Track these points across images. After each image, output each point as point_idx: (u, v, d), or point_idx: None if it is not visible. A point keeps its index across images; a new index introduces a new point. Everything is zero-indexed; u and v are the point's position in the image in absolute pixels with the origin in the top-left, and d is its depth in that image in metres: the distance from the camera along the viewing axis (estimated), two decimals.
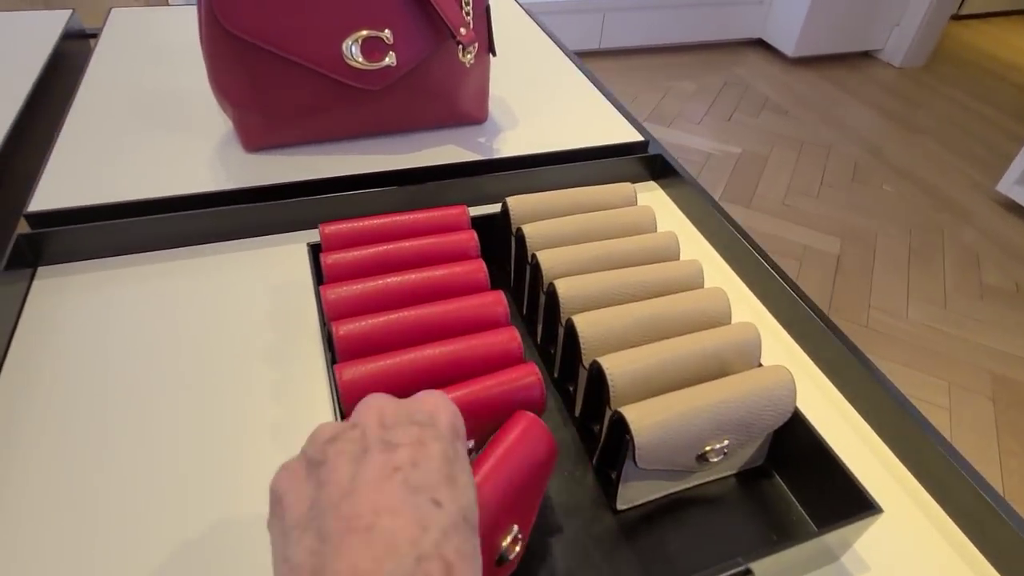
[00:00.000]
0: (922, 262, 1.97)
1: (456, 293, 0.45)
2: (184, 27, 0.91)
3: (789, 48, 3.00)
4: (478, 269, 0.46)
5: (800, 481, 0.43)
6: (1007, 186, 2.10)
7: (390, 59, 0.61)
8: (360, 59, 0.60)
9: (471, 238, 0.49)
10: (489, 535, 0.31)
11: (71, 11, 0.88)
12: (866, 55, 3.18)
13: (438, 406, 0.27)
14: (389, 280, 0.45)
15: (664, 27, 2.94)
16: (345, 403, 0.37)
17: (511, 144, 0.73)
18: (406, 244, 0.48)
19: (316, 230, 0.61)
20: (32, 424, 0.44)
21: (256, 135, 0.66)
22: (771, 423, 0.40)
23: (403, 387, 0.38)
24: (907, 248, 2.03)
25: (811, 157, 2.45)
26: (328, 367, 0.41)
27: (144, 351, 0.50)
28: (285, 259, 0.59)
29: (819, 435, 0.40)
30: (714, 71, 2.98)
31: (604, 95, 0.83)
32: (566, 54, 0.93)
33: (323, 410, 0.46)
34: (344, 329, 0.41)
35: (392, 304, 0.44)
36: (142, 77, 0.79)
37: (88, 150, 0.66)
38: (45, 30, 0.83)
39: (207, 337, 0.51)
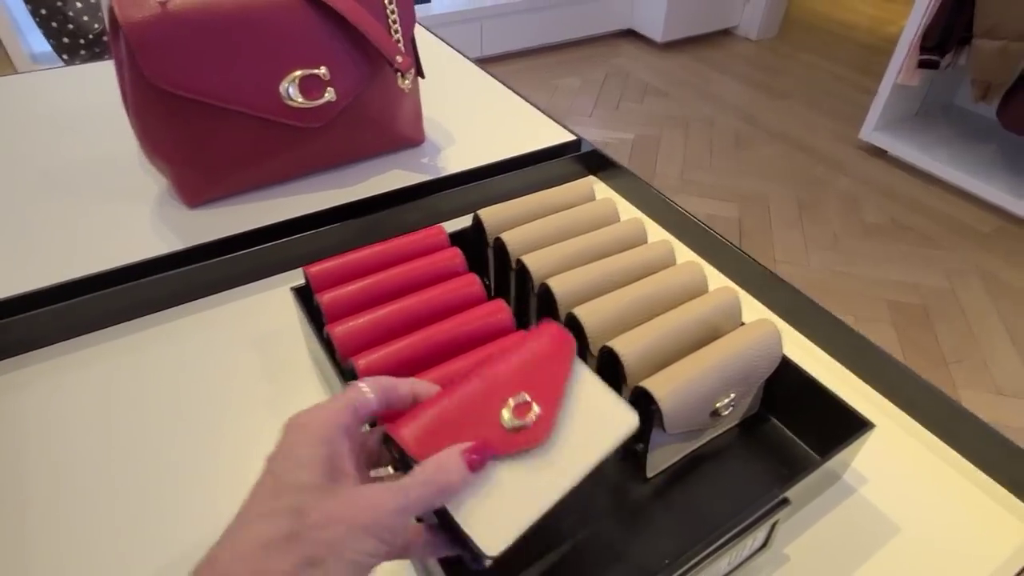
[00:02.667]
0: (811, 213, 2.17)
1: (456, 309, 0.47)
2: (67, 90, 0.86)
3: (657, 35, 3.19)
4: (472, 282, 0.48)
5: (794, 419, 0.48)
6: (868, 133, 2.35)
7: (329, 95, 0.62)
8: (299, 99, 0.61)
9: (456, 254, 0.51)
10: (482, 406, 0.34)
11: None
12: (726, 32, 3.43)
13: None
14: (392, 308, 0.46)
15: (540, 28, 3.04)
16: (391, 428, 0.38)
17: (453, 161, 0.75)
18: (395, 271, 0.49)
19: (286, 274, 0.61)
20: (36, 531, 0.41)
21: (197, 190, 0.64)
22: (766, 371, 0.45)
23: None
24: (796, 203, 2.22)
25: (697, 133, 2.62)
26: None
27: (137, 426, 0.48)
28: (259, 308, 0.58)
29: (807, 373, 0.45)
30: (595, 64, 3.12)
31: (527, 102, 0.87)
32: (479, 66, 0.96)
33: None
34: (364, 362, 0.41)
35: (400, 331, 0.45)
36: (41, 149, 0.74)
37: (12, 234, 0.62)
38: None
39: (201, 399, 0.50)
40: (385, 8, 0.62)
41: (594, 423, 0.36)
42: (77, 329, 0.54)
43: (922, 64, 2.07)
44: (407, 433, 0.32)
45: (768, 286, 0.59)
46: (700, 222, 0.64)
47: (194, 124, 0.59)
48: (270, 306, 0.58)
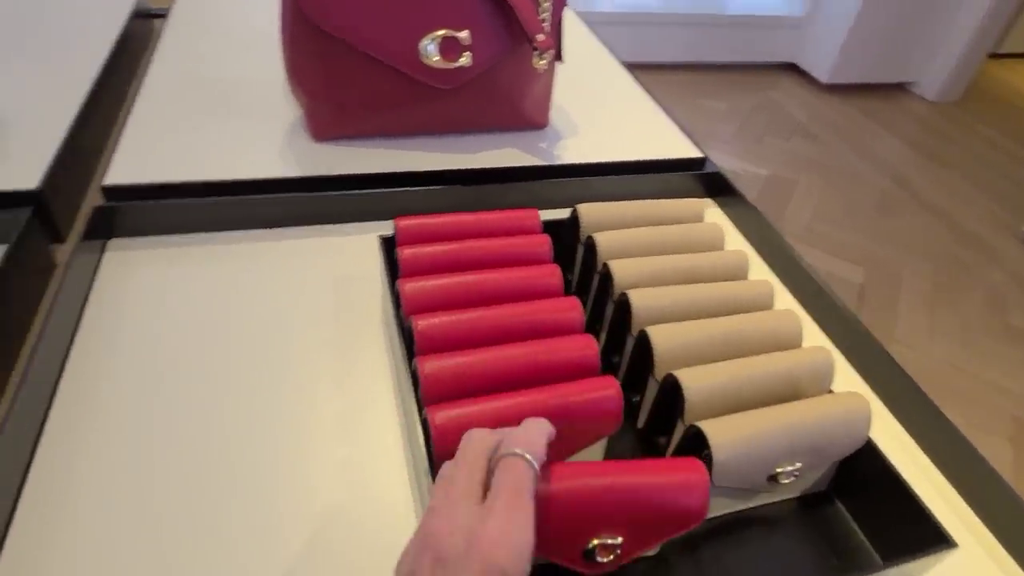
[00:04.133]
0: (947, 298, 1.96)
1: (529, 296, 0.45)
2: (250, 13, 0.92)
3: (823, 75, 2.99)
4: (552, 273, 0.47)
5: (864, 510, 0.43)
6: None
7: (465, 59, 0.62)
8: (436, 58, 0.61)
9: (545, 241, 0.49)
10: (580, 530, 0.33)
11: None
12: (900, 87, 3.16)
13: (499, 545, 0.27)
14: (465, 278, 0.45)
15: (699, 45, 2.95)
16: (427, 395, 0.38)
17: (570, 151, 0.73)
18: (480, 244, 0.48)
19: (381, 223, 0.62)
20: (103, 396, 0.45)
21: (326, 126, 0.66)
22: (843, 450, 0.40)
23: (481, 385, 0.39)
24: (932, 283, 2.02)
25: (839, 184, 2.44)
26: (405, 360, 0.41)
27: (209, 330, 0.50)
28: (349, 249, 0.60)
29: (892, 466, 0.40)
30: (745, 92, 2.98)
31: (663, 110, 0.84)
32: (624, 67, 0.94)
33: (385, 401, 0.47)
34: (423, 323, 0.41)
35: (467, 302, 0.44)
36: (209, 60, 0.80)
37: (159, 128, 0.67)
38: (114, 8, 0.84)
39: (271, 321, 0.52)
40: None
41: None
42: (184, 227, 0.58)
43: None
44: None
45: (871, 358, 0.53)
46: (814, 275, 0.59)
47: (336, 63, 0.61)
48: (359, 249, 0.60)
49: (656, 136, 0.79)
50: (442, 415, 0.36)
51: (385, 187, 0.63)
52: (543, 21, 0.62)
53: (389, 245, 0.51)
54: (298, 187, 0.63)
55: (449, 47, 0.61)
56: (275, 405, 0.46)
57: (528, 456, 0.29)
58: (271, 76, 0.77)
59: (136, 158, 0.63)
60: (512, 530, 0.27)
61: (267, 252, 0.58)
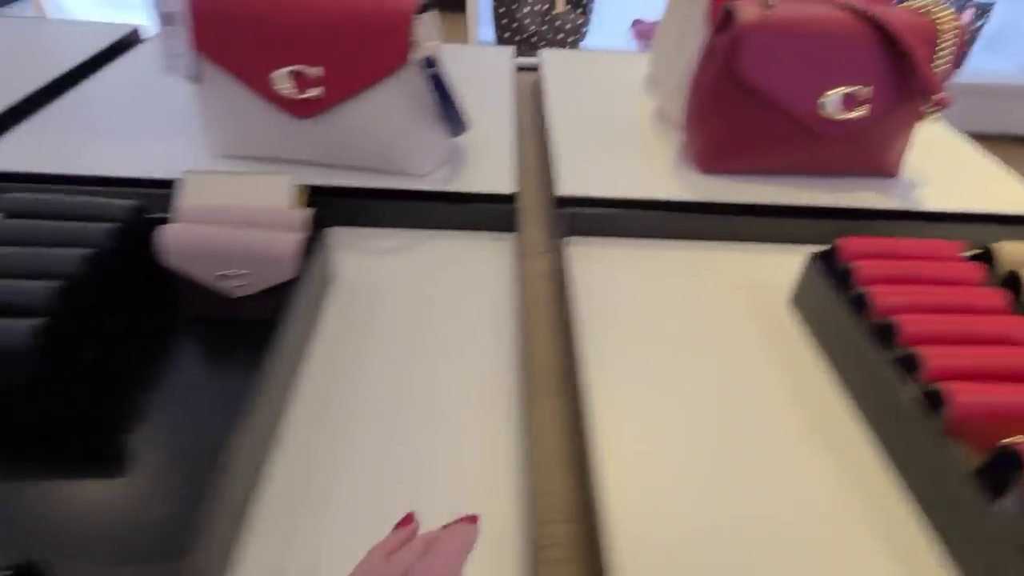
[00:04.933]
0: None
1: (974, 312, 0.52)
2: (604, 68, 1.10)
3: None
4: (996, 295, 0.53)
5: None
6: None
7: (862, 112, 0.71)
8: (834, 110, 0.71)
9: (980, 268, 0.56)
10: None
11: (514, 47, 1.10)
12: None
13: None
14: (925, 288, 0.53)
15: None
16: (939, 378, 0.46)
17: (919, 199, 0.79)
18: (928, 263, 0.56)
19: (758, 244, 0.72)
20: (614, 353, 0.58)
21: (714, 161, 0.79)
22: None
23: (982, 376, 0.46)
24: None
25: None
26: (875, 352, 0.50)
27: (646, 315, 0.63)
28: (757, 265, 0.70)
29: None
30: None
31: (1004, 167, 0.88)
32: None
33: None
34: (910, 319, 0.49)
35: (929, 308, 0.52)
36: (582, 103, 0.97)
37: (575, 154, 0.83)
38: (501, 61, 1.05)
39: (700, 316, 0.63)
40: (935, 48, 0.70)
41: None
42: (615, 232, 0.73)
43: None
44: None
45: None
46: None
47: (740, 110, 0.73)
48: (764, 265, 0.70)
49: (998, 190, 0.83)
50: (964, 396, 0.44)
51: (754, 216, 0.74)
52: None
53: (824, 260, 0.60)
54: (685, 208, 0.75)
55: (848, 100, 0.71)
56: (717, 385, 0.56)
57: None
58: (634, 115, 0.92)
59: (566, 177, 0.78)
60: None
61: (680, 259, 0.71)
